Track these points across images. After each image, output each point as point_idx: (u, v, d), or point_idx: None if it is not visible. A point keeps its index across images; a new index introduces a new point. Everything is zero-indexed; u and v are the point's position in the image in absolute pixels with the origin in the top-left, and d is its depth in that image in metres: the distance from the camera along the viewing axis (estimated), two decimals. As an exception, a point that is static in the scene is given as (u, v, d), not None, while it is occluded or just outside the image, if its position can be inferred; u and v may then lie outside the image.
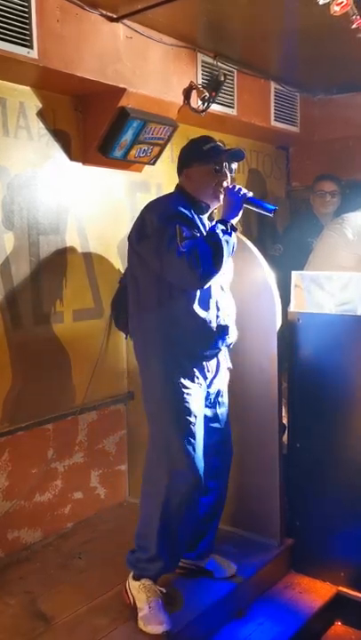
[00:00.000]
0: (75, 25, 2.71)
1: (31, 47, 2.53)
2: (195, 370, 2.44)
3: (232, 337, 2.53)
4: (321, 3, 2.28)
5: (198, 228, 2.40)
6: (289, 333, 2.91)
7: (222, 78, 3.43)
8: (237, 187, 2.42)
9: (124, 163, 3.26)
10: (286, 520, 2.97)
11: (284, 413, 3.00)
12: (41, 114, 2.94)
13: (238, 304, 2.82)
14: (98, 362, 3.24)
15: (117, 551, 2.62)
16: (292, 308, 2.94)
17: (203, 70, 3.39)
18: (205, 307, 2.40)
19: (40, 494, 3.05)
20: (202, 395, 2.48)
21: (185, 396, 2.39)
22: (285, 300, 2.94)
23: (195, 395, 2.42)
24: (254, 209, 2.48)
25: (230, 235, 2.32)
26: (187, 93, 3.28)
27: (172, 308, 2.38)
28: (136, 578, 2.45)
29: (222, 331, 2.46)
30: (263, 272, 2.84)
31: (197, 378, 2.45)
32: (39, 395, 3.00)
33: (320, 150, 4.44)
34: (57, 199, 3.04)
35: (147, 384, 2.49)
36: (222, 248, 2.27)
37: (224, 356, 2.59)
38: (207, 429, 2.53)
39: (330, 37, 2.99)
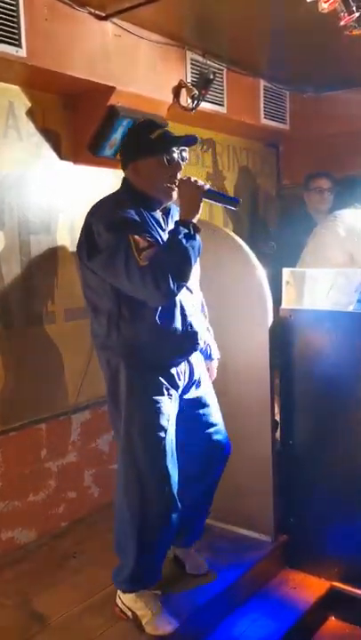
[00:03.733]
0: (63, 23, 2.71)
1: (20, 46, 2.53)
2: (163, 381, 2.28)
3: (201, 342, 2.39)
4: (309, 0, 2.28)
5: (154, 229, 2.19)
6: (281, 330, 2.91)
7: (211, 76, 3.44)
8: (193, 178, 2.17)
9: (115, 161, 3.25)
10: (280, 516, 2.98)
11: (276, 410, 3.01)
12: (30, 113, 2.93)
13: (230, 302, 2.83)
14: (90, 361, 3.24)
15: (112, 550, 2.61)
16: (284, 304, 2.95)
17: (192, 68, 3.40)
18: (170, 317, 2.21)
19: (34, 494, 3.05)
20: (174, 407, 2.34)
21: (153, 411, 2.25)
22: (279, 297, 2.95)
23: (165, 408, 2.28)
24: (216, 203, 2.30)
25: (195, 238, 2.09)
26: (176, 91, 3.29)
27: (134, 321, 2.19)
28: (127, 592, 2.41)
29: (190, 338, 2.30)
30: (255, 269, 2.85)
31: (167, 389, 2.30)
32: (32, 395, 2.99)
33: (310, 147, 4.45)
34: (47, 198, 3.04)
35: (113, 402, 2.33)
36: (189, 256, 2.05)
37: (198, 359, 2.46)
38: (192, 435, 2.48)
39: (318, 35, 3.00)
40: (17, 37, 2.51)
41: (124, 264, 2.05)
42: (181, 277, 2.06)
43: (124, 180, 2.32)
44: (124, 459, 2.34)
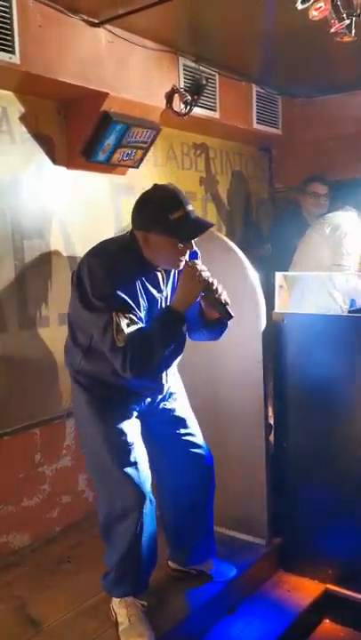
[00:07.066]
0: (56, 30, 2.72)
1: (13, 52, 2.54)
2: (124, 409, 2.33)
3: (166, 387, 2.37)
4: (300, 8, 2.30)
5: (144, 295, 2.17)
6: (274, 334, 2.93)
7: (204, 82, 3.45)
8: (199, 267, 2.14)
9: (108, 166, 3.27)
10: (274, 519, 2.99)
11: (270, 413, 3.02)
12: (24, 118, 2.94)
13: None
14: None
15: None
16: (277, 308, 2.97)
17: (184, 74, 3.42)
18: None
19: (28, 498, 3.04)
20: (137, 424, 2.37)
21: (115, 424, 2.29)
22: (272, 301, 2.97)
23: (125, 421, 2.31)
24: (209, 303, 2.19)
25: (178, 330, 2.10)
26: (169, 97, 3.30)
27: (98, 360, 2.22)
28: (110, 595, 2.44)
29: (151, 389, 2.32)
30: (247, 273, 2.86)
31: (127, 414, 2.33)
32: (25, 399, 2.99)
33: (302, 152, 4.48)
34: (41, 203, 3.05)
35: (77, 420, 2.46)
36: (164, 346, 2.07)
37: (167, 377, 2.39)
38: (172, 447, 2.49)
39: (309, 41, 3.02)
40: (10, 44, 2.52)
41: (104, 337, 2.08)
42: (151, 365, 2.09)
43: (133, 238, 2.19)
44: (94, 474, 2.42)
